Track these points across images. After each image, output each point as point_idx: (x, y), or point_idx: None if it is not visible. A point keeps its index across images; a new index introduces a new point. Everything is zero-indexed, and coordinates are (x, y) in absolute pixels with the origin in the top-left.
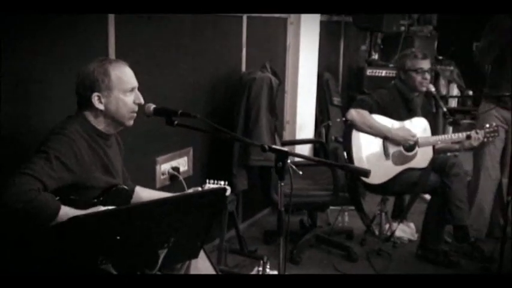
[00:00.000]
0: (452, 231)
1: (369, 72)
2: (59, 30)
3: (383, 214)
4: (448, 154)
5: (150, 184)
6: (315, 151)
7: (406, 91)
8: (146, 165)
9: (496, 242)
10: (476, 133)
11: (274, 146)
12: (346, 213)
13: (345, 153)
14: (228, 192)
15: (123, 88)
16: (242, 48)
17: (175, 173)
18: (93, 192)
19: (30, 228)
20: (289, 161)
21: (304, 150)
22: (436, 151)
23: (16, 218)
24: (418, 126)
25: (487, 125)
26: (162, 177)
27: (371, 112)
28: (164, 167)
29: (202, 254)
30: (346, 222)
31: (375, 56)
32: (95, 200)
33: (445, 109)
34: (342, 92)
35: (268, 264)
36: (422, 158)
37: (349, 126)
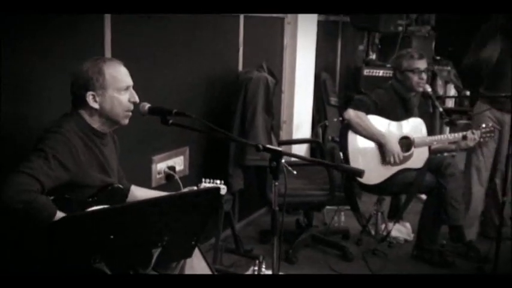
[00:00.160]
0: (448, 231)
1: (366, 72)
2: (55, 30)
3: (379, 214)
4: (445, 154)
5: (146, 183)
6: (312, 151)
7: (403, 91)
8: (142, 164)
9: (491, 242)
10: (472, 133)
11: (268, 146)
12: (342, 213)
13: (341, 153)
14: (224, 192)
15: (118, 87)
16: (239, 48)
17: (171, 172)
18: (88, 190)
19: (24, 228)
20: (283, 160)
21: (301, 150)
22: (432, 151)
23: (11, 218)
24: (415, 126)
25: (483, 125)
26: (158, 176)
27: (368, 112)
28: (160, 166)
29: (197, 253)
30: (342, 222)
31: (373, 56)
32: (90, 199)
33: (441, 109)
34: (339, 92)
35: (264, 263)
36: (418, 158)
37: (346, 126)
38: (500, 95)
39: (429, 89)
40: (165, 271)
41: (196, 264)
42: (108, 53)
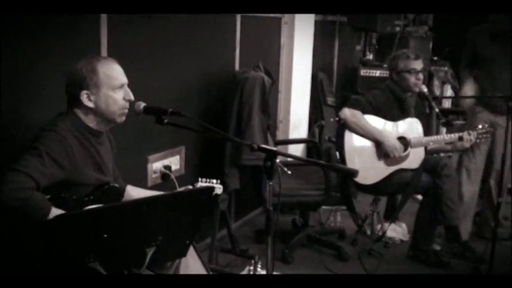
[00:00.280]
0: (444, 231)
1: (363, 72)
2: (51, 29)
3: (375, 214)
4: (442, 155)
5: (142, 182)
6: (309, 151)
7: (399, 92)
8: (138, 164)
9: (487, 243)
10: (469, 134)
11: (263, 146)
12: (338, 213)
13: (337, 153)
14: (220, 191)
15: (112, 85)
16: (236, 48)
17: (167, 172)
18: (84, 189)
19: (18, 227)
20: (278, 160)
21: (298, 149)
22: (428, 152)
23: (6, 217)
24: (411, 127)
25: (480, 126)
26: (153, 175)
27: (364, 112)
28: (156, 165)
29: (193, 252)
30: (338, 222)
31: (370, 56)
32: (86, 198)
33: (437, 110)
34: (336, 92)
35: (260, 263)
36: (414, 158)
37: (342, 126)
38: (492, 96)
39: (425, 90)
40: (160, 270)
41: (192, 264)
42: (104, 52)
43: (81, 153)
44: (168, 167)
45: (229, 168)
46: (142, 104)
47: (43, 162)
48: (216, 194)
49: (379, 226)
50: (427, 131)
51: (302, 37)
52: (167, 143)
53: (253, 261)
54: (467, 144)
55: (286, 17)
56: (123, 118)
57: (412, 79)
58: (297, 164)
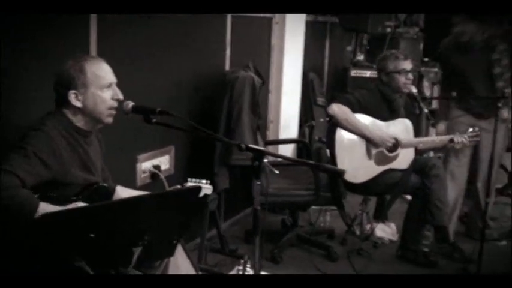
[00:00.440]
0: (433, 231)
1: (353, 73)
2: (40, 29)
3: (364, 214)
4: (431, 155)
5: (131, 182)
6: (299, 151)
7: (389, 93)
8: (127, 163)
9: (475, 243)
10: (460, 138)
11: (250, 145)
12: (327, 213)
13: (328, 151)
14: (210, 191)
15: (100, 84)
16: (226, 48)
17: (156, 171)
18: (71, 189)
19: (3, 226)
20: (266, 160)
21: (288, 150)
22: (418, 151)
23: None
24: (401, 128)
25: (470, 129)
26: (143, 175)
27: (353, 110)
28: (145, 165)
29: (182, 252)
30: (327, 222)
31: (361, 57)
32: (74, 198)
33: (426, 110)
34: (326, 92)
35: (249, 263)
36: (403, 159)
37: (333, 125)
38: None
39: (415, 90)
40: (148, 270)
41: (181, 264)
42: (94, 52)
43: (68, 153)
44: (157, 167)
45: (219, 168)
46: (130, 103)
47: (30, 162)
48: (206, 194)
49: (368, 226)
50: (416, 132)
51: (293, 37)
52: (157, 142)
53: (242, 261)
54: (458, 146)
55: (277, 17)
56: (111, 119)
57: (402, 80)
58: (286, 164)
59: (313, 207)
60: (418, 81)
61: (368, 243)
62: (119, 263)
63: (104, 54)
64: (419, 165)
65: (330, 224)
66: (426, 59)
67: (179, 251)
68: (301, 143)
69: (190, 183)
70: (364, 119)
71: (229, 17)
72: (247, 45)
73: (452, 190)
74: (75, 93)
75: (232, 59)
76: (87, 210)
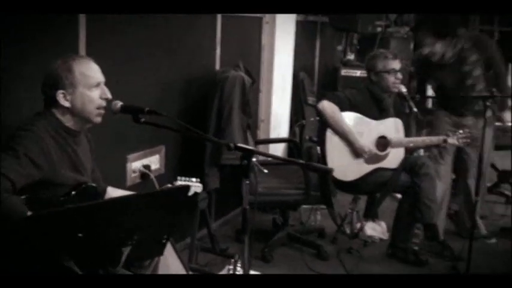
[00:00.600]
0: (423, 230)
1: (344, 72)
2: (29, 29)
3: (354, 213)
4: (421, 153)
5: (121, 182)
6: (289, 150)
7: (378, 92)
8: (117, 163)
9: (464, 241)
10: (452, 139)
11: (239, 145)
12: (318, 212)
13: (318, 149)
14: (200, 190)
15: (88, 84)
16: (216, 47)
17: (146, 171)
18: (61, 189)
19: None
20: (254, 159)
21: (279, 149)
22: (408, 150)
23: None
24: (391, 127)
25: (460, 131)
26: (132, 175)
27: (342, 108)
28: (135, 165)
29: (172, 252)
30: (318, 221)
31: (351, 57)
32: (63, 198)
33: (415, 109)
34: (317, 91)
35: (239, 262)
36: (393, 158)
37: (324, 124)
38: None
39: (404, 90)
40: (138, 270)
41: (171, 263)
42: (82, 51)
43: (58, 153)
44: (147, 167)
45: (209, 168)
46: (119, 103)
47: (19, 162)
48: (196, 193)
49: (358, 225)
50: (406, 131)
51: (283, 37)
52: (147, 142)
53: (233, 260)
54: (449, 146)
55: (267, 17)
56: (100, 119)
57: (391, 79)
58: (276, 163)
59: (304, 206)
60: (408, 81)
61: (358, 242)
62: (107, 262)
63: (94, 54)
64: (409, 164)
65: (320, 223)
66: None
67: (169, 250)
68: (292, 143)
69: (180, 181)
70: (355, 118)
71: (219, 16)
72: (237, 45)
73: (439, 188)
74: (63, 93)
75: (222, 59)
76: (75, 210)
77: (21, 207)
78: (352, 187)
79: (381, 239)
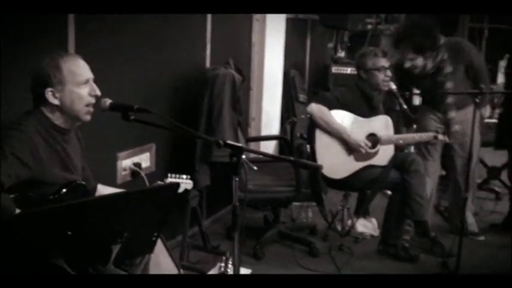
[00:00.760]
0: (413, 226)
1: (335, 69)
2: (17, 28)
3: (345, 210)
4: (412, 150)
5: (111, 180)
6: (280, 148)
7: (368, 90)
8: (107, 161)
9: (455, 237)
10: (442, 136)
11: (228, 142)
12: (309, 209)
13: (308, 147)
14: (190, 186)
15: (77, 81)
16: (207, 45)
17: (137, 169)
18: (51, 188)
19: None
20: (244, 156)
21: (270, 146)
22: (398, 147)
23: None
24: (381, 124)
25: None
26: (123, 173)
27: (331, 108)
28: (125, 162)
29: (163, 249)
30: (309, 218)
31: (342, 54)
32: (52, 196)
33: (405, 106)
34: (308, 89)
35: (231, 260)
36: (383, 155)
37: (313, 123)
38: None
39: (394, 87)
40: (129, 268)
41: (162, 261)
42: (72, 49)
43: (47, 152)
44: (138, 164)
45: (200, 165)
46: (108, 101)
47: (7, 163)
48: (186, 190)
49: (349, 222)
50: (396, 128)
51: (274, 34)
52: (137, 140)
53: (224, 258)
54: (438, 143)
55: (257, 15)
56: (89, 117)
57: (380, 77)
58: (267, 160)
59: (295, 203)
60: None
61: (349, 239)
62: (97, 260)
63: (83, 52)
64: (399, 161)
65: (311, 220)
66: None
67: (160, 248)
68: (283, 140)
69: (171, 179)
70: (346, 117)
71: (209, 14)
72: (227, 42)
73: (427, 185)
74: (52, 91)
75: (212, 56)
76: (64, 208)
77: (9, 205)
78: (343, 184)
79: (372, 236)
